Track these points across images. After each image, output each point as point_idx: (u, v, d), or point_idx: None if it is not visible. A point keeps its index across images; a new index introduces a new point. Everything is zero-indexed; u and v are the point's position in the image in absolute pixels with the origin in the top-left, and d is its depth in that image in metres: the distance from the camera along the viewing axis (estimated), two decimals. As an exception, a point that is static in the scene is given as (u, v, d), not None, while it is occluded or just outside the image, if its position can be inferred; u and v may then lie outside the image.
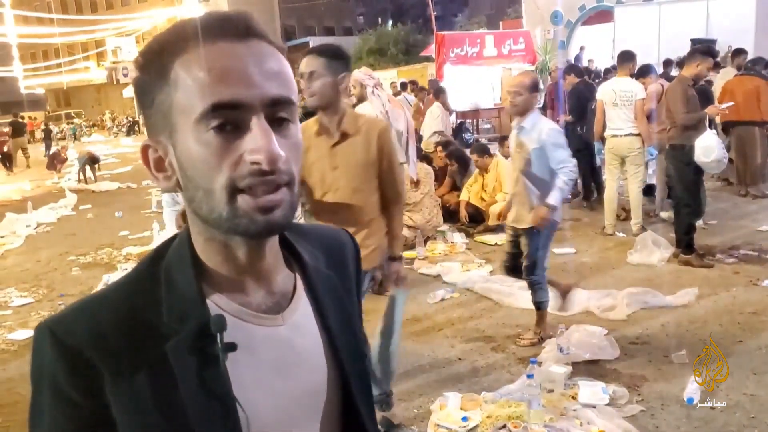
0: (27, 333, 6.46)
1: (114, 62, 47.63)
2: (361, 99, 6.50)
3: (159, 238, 8.05)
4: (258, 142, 0.89)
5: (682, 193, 6.86)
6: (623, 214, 8.55)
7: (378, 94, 6.45)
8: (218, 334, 0.93)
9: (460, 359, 5.03)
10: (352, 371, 1.11)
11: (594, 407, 4.06)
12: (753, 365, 4.54)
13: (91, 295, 1.00)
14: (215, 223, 0.94)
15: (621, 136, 7.88)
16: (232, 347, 0.93)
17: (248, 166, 0.90)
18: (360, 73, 6.61)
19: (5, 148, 23.18)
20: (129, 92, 46.67)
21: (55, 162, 20.31)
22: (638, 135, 7.80)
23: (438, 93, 12.60)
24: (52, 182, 18.84)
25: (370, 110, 6.39)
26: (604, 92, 8.06)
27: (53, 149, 23.88)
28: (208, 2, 40.14)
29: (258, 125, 0.90)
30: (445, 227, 8.60)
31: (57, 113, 49.26)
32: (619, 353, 4.82)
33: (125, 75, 47.03)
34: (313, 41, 45.84)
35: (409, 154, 6.87)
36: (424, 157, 9.76)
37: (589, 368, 4.64)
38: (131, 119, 40.79)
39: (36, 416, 0.94)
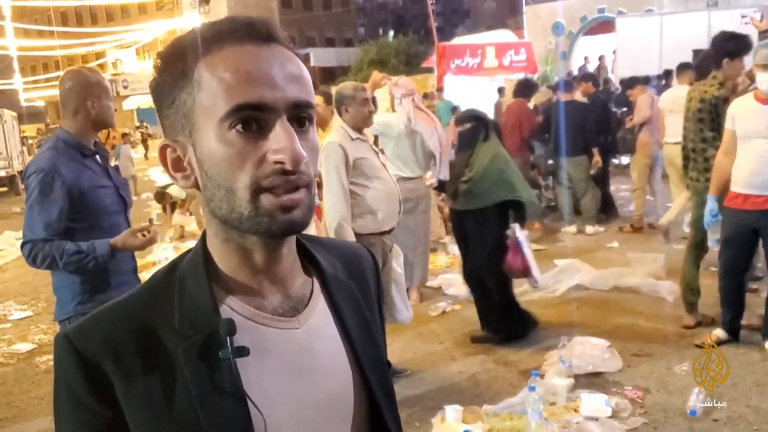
0: (26, 346, 6.46)
1: (114, 74, 47.79)
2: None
3: (158, 249, 8.03)
4: (282, 142, 0.91)
5: None
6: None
7: (404, 105, 6.33)
8: (228, 338, 0.93)
9: (461, 372, 5.01)
10: (375, 378, 1.10)
11: (596, 420, 4.04)
12: (756, 377, 4.52)
13: (108, 303, 1.01)
14: (234, 223, 0.95)
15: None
16: (243, 351, 0.93)
17: (271, 165, 0.91)
18: (397, 83, 6.48)
19: None
20: (129, 104, 46.86)
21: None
22: None
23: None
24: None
25: (393, 120, 6.34)
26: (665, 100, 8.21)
27: None
28: (208, 14, 40.29)
29: (282, 126, 0.92)
30: (447, 239, 8.57)
31: (57, 126, 49.32)
32: (622, 365, 4.80)
33: (125, 87, 47.24)
34: (314, 52, 46.15)
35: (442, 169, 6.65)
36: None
37: (592, 380, 4.62)
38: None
39: (59, 423, 0.96)
